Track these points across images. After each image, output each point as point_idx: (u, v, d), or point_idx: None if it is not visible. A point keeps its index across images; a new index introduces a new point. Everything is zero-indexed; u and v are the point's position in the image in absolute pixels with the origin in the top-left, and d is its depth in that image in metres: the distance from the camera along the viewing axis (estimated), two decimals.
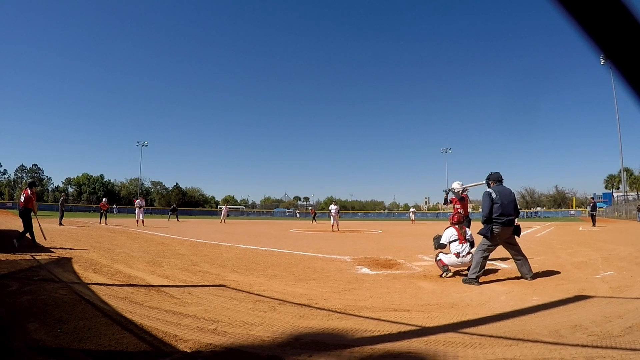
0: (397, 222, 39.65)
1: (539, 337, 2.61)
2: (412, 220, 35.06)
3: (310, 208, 34.96)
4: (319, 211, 71.46)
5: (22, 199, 8.08)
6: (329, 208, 18.29)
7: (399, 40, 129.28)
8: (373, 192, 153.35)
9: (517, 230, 4.93)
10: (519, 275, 4.96)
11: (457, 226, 5.36)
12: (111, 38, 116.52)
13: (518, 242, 5.03)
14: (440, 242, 5.43)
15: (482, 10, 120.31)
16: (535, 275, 5.00)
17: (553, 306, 3.51)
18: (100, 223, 18.74)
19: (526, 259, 4.95)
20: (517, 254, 4.94)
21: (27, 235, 7.76)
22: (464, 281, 4.70)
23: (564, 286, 4.43)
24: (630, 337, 2.58)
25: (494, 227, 4.79)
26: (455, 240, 5.23)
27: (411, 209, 38.16)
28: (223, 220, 27.46)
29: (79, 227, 15.21)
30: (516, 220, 4.98)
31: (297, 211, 68.26)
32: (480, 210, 5.06)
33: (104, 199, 21.49)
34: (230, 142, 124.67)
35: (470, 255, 5.04)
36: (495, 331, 2.75)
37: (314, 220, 31.14)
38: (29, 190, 8.11)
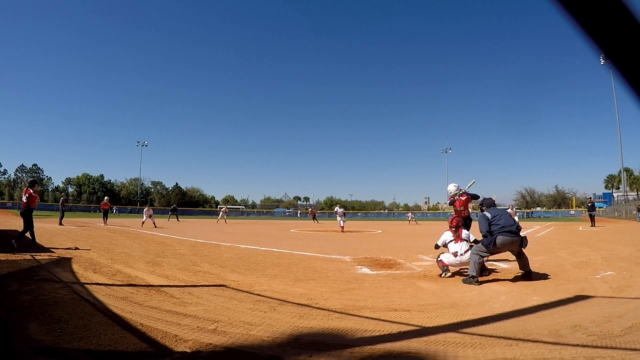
0: (397, 222, 39.64)
1: (539, 337, 2.61)
2: (408, 221, 34.84)
3: (309, 209, 34.43)
4: (319, 211, 71.44)
5: (24, 199, 7.97)
6: (335, 210, 18.22)
7: (399, 41, 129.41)
8: (373, 192, 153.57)
9: (523, 242, 4.99)
10: (519, 275, 4.98)
11: (453, 229, 5.46)
12: (111, 38, 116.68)
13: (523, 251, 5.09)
14: (436, 243, 5.60)
15: (482, 10, 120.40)
16: (535, 275, 5.01)
17: (553, 306, 3.51)
18: (104, 224, 18.20)
19: (527, 259, 4.98)
20: (520, 256, 5.01)
21: (27, 235, 7.75)
22: (464, 281, 4.71)
23: (564, 286, 4.43)
24: (630, 337, 2.58)
25: (497, 238, 4.82)
26: (451, 241, 5.35)
27: (409, 214, 37.93)
28: (224, 220, 27.59)
29: (79, 227, 15.20)
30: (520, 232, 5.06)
31: (298, 211, 68.12)
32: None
33: (105, 198, 20.18)
34: (230, 142, 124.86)
35: (469, 253, 5.08)
36: (495, 331, 2.75)
37: (314, 221, 30.92)
38: (30, 190, 8.06)
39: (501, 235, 4.84)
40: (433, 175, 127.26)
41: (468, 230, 5.67)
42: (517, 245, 4.93)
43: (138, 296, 3.77)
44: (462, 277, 4.89)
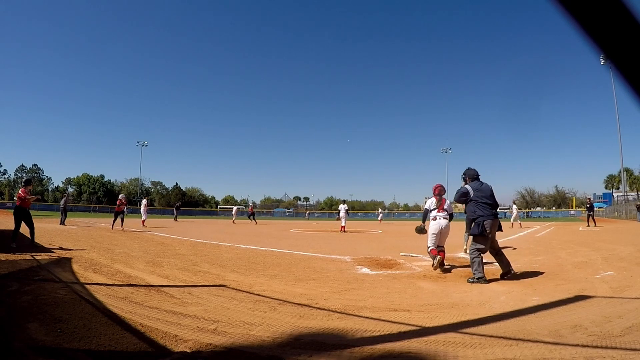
0: (397, 222, 39.64)
1: (539, 337, 2.61)
2: (380, 220, 34.49)
3: (250, 205, 31.94)
4: (319, 211, 71.32)
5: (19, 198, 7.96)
6: (340, 208, 17.87)
7: (398, 40, 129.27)
8: (373, 192, 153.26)
9: (499, 225, 5.06)
10: (519, 275, 4.97)
11: (437, 197, 5.87)
12: (111, 38, 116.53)
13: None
14: (424, 207, 6.18)
15: (482, 10, 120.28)
16: (535, 275, 5.01)
17: (553, 306, 3.51)
18: (113, 228, 14.32)
19: (507, 257, 5.03)
20: (496, 249, 5.04)
21: (27, 236, 7.77)
22: (470, 280, 4.71)
23: (564, 286, 4.43)
24: (630, 337, 2.58)
25: (485, 223, 4.83)
26: (435, 209, 5.90)
27: (379, 211, 39.15)
28: (233, 221, 28.02)
29: (79, 227, 15.20)
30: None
31: (307, 211, 67.66)
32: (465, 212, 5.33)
33: (120, 196, 15.61)
34: (230, 142, 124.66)
35: (447, 221, 5.75)
36: (495, 331, 2.75)
37: (251, 219, 28.39)
38: (24, 189, 8.06)
39: (488, 219, 4.85)
40: (433, 175, 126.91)
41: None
42: (496, 228, 4.96)
43: (138, 296, 3.77)
44: (468, 278, 4.87)
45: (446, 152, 63.85)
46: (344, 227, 17.00)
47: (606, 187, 65.00)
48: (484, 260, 4.93)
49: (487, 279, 4.69)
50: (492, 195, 5.01)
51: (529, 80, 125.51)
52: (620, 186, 49.77)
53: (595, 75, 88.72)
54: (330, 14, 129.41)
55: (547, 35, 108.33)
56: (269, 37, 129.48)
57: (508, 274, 4.87)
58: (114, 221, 14.90)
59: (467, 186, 5.13)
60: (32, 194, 8.33)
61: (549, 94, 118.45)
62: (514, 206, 22.39)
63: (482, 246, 4.85)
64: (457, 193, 5.21)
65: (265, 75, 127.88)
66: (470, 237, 5.76)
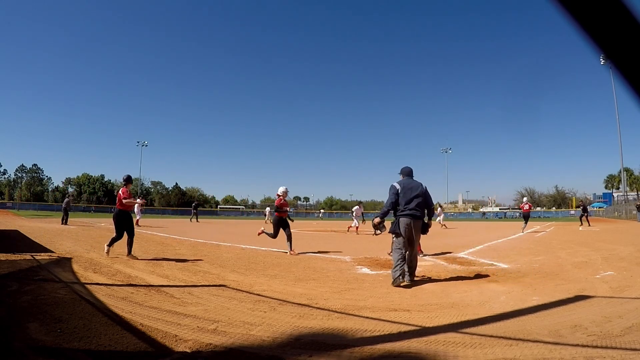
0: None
1: (539, 337, 2.61)
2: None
3: (139, 198, 24.83)
4: (320, 211, 71.30)
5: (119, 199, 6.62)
6: (353, 209, 17.54)
7: (399, 40, 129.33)
8: (373, 192, 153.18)
9: (425, 228, 4.79)
10: (519, 275, 4.97)
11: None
12: (111, 38, 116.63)
13: (419, 241, 4.84)
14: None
15: (482, 10, 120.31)
16: (535, 275, 5.00)
17: (553, 306, 3.51)
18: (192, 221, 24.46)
19: (416, 262, 4.81)
20: (412, 250, 4.73)
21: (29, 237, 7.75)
22: (393, 284, 4.41)
23: (564, 286, 4.43)
24: (630, 337, 2.58)
25: (399, 220, 4.60)
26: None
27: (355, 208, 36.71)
28: (266, 221, 27.31)
29: (79, 227, 15.20)
30: (426, 218, 4.90)
31: (320, 211, 67.36)
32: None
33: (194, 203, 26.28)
34: (230, 142, 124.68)
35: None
36: (495, 331, 2.75)
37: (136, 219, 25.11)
38: (124, 188, 6.72)
39: (404, 218, 4.50)
40: (433, 175, 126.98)
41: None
42: (418, 230, 4.60)
43: (138, 296, 3.77)
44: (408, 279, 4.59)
45: (446, 152, 63.92)
46: (357, 227, 16.49)
47: (606, 187, 64.96)
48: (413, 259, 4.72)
49: (488, 280, 4.64)
50: (417, 195, 4.69)
51: (529, 81, 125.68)
52: (620, 186, 49.72)
53: (595, 75, 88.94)
54: (331, 14, 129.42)
55: (547, 35, 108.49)
56: (268, 37, 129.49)
57: (410, 277, 4.58)
58: (191, 219, 25.46)
59: (394, 183, 4.83)
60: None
61: (549, 94, 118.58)
62: (440, 209, 22.71)
63: (399, 245, 4.54)
64: (389, 194, 4.80)
65: (265, 75, 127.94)
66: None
